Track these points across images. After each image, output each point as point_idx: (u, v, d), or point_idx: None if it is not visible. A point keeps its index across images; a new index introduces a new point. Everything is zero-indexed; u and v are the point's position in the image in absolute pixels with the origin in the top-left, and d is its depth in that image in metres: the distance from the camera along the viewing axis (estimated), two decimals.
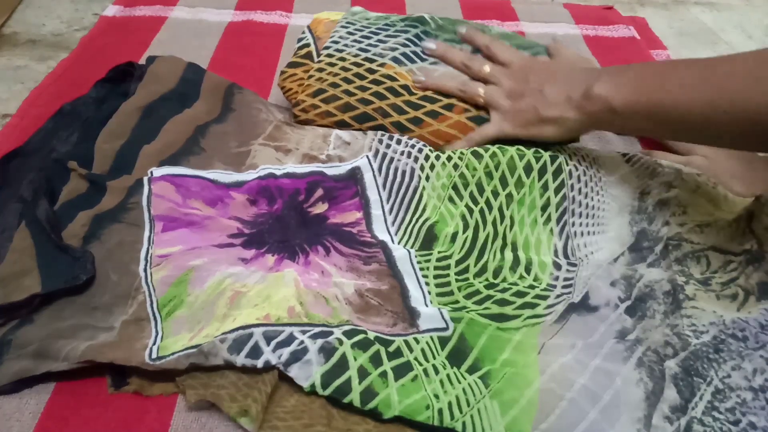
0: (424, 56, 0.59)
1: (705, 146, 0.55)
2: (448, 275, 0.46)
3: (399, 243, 0.49)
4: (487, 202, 0.49)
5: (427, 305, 0.43)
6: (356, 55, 0.58)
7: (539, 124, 0.50)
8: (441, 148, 0.54)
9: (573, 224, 0.49)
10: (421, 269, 0.46)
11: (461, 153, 0.51)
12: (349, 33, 0.60)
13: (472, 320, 0.42)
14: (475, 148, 0.51)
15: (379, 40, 0.59)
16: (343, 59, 0.58)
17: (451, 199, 0.50)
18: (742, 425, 0.35)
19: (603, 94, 0.46)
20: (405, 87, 0.56)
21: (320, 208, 0.50)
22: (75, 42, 0.76)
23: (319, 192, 0.51)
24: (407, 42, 0.59)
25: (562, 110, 0.49)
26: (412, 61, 0.58)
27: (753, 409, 0.36)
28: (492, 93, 0.53)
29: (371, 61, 0.57)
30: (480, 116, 0.55)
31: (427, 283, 0.45)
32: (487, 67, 0.54)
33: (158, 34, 0.78)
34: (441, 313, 0.42)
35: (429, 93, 0.56)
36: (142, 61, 0.62)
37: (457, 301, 0.44)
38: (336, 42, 0.59)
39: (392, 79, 0.56)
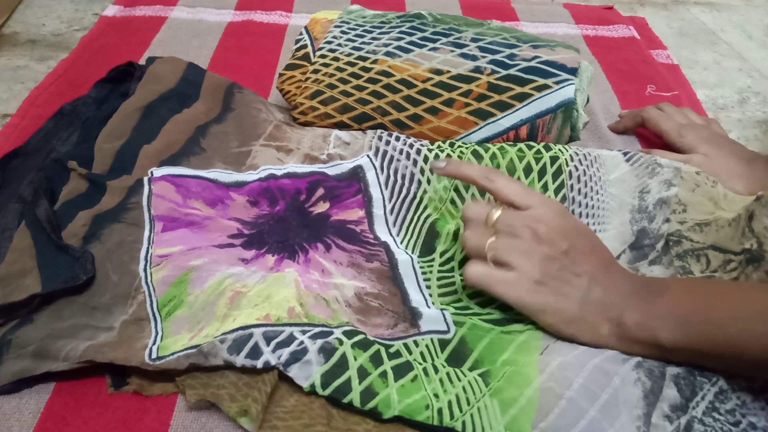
0: (419, 44, 0.57)
1: (705, 144, 0.55)
2: (452, 276, 0.46)
3: (402, 242, 0.49)
4: None
5: (429, 307, 0.43)
6: (349, 54, 0.58)
7: (587, 325, 0.39)
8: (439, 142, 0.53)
9: None
10: (424, 273, 0.46)
11: (461, 153, 0.51)
12: (343, 32, 0.60)
13: (475, 324, 0.42)
14: (476, 148, 0.51)
15: (373, 38, 0.59)
16: (336, 59, 0.58)
17: (452, 201, 0.50)
18: (743, 426, 0.35)
19: (642, 323, 0.37)
20: (402, 81, 0.55)
21: (322, 207, 0.50)
22: (75, 42, 0.76)
23: (320, 191, 0.51)
24: (401, 35, 0.58)
25: (608, 319, 0.39)
26: (406, 52, 0.57)
27: (753, 410, 0.36)
28: (506, 247, 0.40)
29: (364, 59, 0.57)
30: (481, 109, 0.54)
31: (428, 287, 0.45)
32: (496, 212, 0.41)
33: (158, 34, 0.78)
34: (444, 315, 0.42)
35: (428, 87, 0.55)
36: (142, 61, 0.62)
37: (460, 300, 0.44)
38: (329, 42, 0.59)
39: (388, 75, 0.56)
